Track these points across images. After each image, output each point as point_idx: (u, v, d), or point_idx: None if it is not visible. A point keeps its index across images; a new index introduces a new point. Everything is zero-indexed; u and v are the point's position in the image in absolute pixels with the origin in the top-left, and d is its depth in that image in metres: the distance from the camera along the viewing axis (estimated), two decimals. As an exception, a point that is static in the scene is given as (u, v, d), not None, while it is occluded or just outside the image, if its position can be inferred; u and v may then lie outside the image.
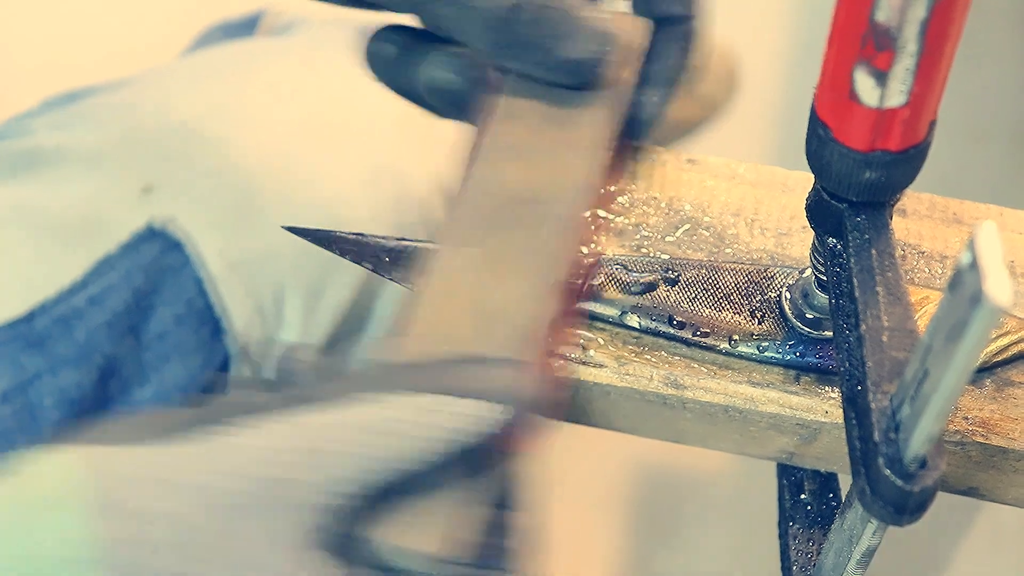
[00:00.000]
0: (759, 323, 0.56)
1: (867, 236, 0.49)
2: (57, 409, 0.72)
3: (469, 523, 0.45)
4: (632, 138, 0.59)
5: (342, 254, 0.59)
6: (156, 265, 0.75)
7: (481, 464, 0.45)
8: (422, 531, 0.44)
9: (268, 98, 0.83)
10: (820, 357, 0.55)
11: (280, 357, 0.49)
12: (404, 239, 0.58)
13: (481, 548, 0.46)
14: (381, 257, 0.58)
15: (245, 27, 0.97)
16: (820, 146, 0.48)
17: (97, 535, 0.42)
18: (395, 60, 0.58)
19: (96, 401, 0.73)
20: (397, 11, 0.55)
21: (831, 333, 0.55)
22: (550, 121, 0.56)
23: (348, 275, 0.81)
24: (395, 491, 0.44)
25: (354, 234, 0.59)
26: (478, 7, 0.53)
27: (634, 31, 0.58)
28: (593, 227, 0.59)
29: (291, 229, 0.62)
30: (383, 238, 0.59)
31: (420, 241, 0.58)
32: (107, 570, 0.42)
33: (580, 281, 0.57)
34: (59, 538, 0.42)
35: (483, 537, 0.46)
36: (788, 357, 0.56)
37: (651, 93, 0.57)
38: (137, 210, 0.75)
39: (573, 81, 0.55)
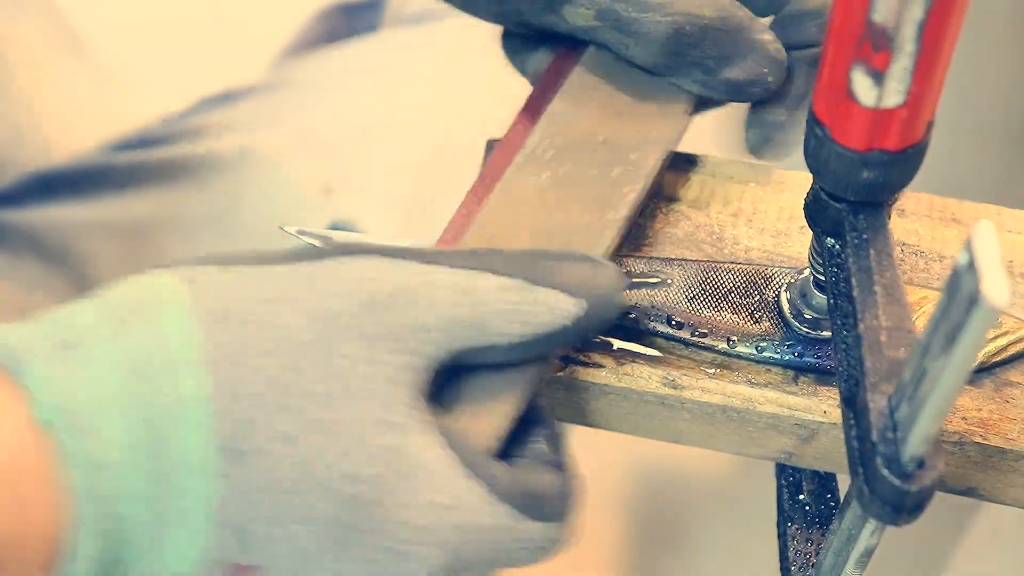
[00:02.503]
0: (757, 323, 0.56)
1: (865, 236, 0.49)
2: None
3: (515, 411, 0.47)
4: (754, 153, 0.60)
5: None
6: None
7: (548, 352, 0.47)
8: (477, 415, 0.46)
9: (426, 97, 0.86)
10: (818, 357, 0.55)
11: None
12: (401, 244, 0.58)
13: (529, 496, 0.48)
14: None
15: (367, 8, 0.99)
16: (818, 146, 0.48)
17: (197, 337, 0.42)
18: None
19: None
20: (563, 33, 0.57)
21: (829, 333, 0.55)
22: (628, 93, 0.57)
23: None
24: (466, 362, 0.46)
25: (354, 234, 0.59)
26: (641, 33, 0.55)
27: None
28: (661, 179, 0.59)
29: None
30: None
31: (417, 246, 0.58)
32: (207, 370, 0.42)
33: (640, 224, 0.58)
34: (156, 339, 0.42)
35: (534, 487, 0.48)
36: (786, 357, 0.56)
37: (779, 112, 0.59)
38: (320, 210, 0.79)
39: (731, 98, 0.57)
